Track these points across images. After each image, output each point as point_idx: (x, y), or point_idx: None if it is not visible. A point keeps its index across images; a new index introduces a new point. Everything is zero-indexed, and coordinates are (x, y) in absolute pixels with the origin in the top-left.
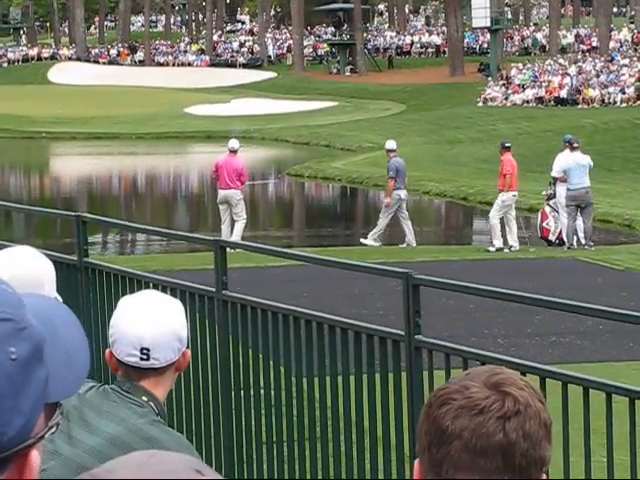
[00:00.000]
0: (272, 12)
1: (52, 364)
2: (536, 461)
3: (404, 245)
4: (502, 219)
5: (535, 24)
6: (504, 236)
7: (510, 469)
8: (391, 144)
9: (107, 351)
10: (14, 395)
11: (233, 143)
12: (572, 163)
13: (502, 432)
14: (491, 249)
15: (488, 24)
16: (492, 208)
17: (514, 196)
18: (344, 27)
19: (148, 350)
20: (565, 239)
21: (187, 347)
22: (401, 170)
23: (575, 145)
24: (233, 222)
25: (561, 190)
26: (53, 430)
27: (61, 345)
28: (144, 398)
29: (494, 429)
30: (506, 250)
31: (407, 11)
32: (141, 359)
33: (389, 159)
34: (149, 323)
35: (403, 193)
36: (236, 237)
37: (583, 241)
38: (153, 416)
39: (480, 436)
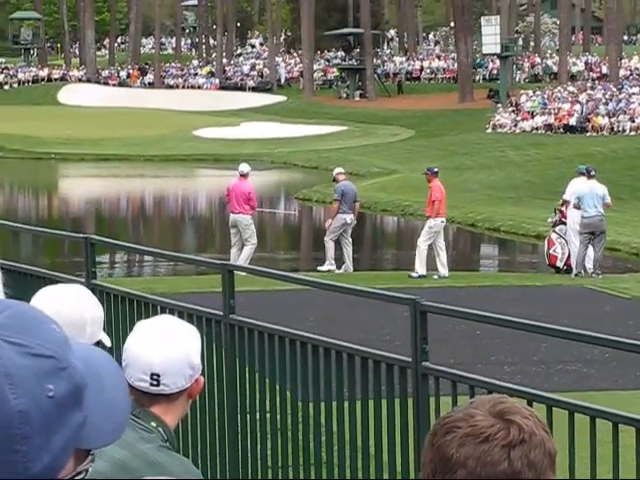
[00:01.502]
0: (282, 36)
1: (92, 412)
2: None
3: (341, 271)
4: (431, 246)
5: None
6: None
7: None
8: (338, 169)
9: None
10: (46, 432)
11: (242, 167)
12: (587, 190)
13: (507, 461)
14: (414, 275)
15: (498, 50)
16: (421, 235)
17: (442, 222)
18: (354, 52)
19: (158, 376)
20: (573, 266)
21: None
22: (348, 194)
23: (592, 173)
24: (243, 246)
25: (573, 216)
26: (82, 476)
27: (104, 396)
28: (153, 424)
29: (499, 457)
30: (435, 276)
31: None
32: (151, 385)
33: (337, 183)
34: (160, 348)
35: (349, 217)
36: (241, 261)
37: (591, 269)
38: (160, 442)
39: (485, 464)
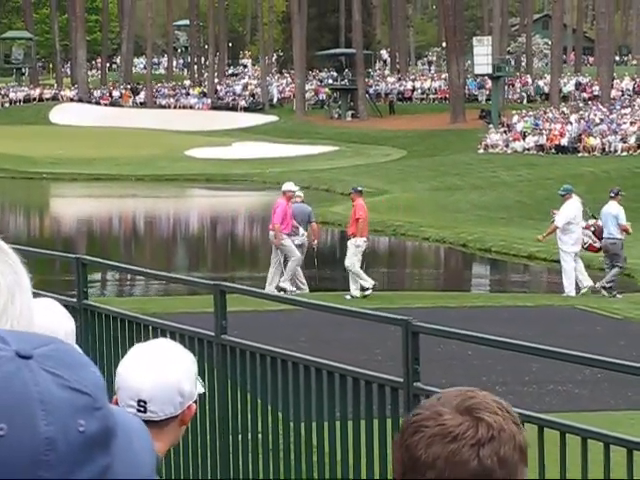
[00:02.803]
0: (274, 56)
1: (118, 465)
2: None
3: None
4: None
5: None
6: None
7: None
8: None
9: (114, 398)
10: (71, 465)
11: (283, 185)
12: (606, 212)
13: (477, 459)
14: (347, 297)
15: (490, 71)
16: (347, 257)
17: (365, 241)
18: (346, 72)
19: (145, 402)
20: (565, 284)
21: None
22: (296, 216)
23: (611, 195)
24: (278, 264)
25: (564, 237)
26: None
27: (132, 454)
28: None
29: (468, 457)
30: (347, 297)
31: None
32: (138, 411)
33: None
34: (149, 375)
35: (299, 239)
36: (285, 275)
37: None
38: None
39: (454, 464)
